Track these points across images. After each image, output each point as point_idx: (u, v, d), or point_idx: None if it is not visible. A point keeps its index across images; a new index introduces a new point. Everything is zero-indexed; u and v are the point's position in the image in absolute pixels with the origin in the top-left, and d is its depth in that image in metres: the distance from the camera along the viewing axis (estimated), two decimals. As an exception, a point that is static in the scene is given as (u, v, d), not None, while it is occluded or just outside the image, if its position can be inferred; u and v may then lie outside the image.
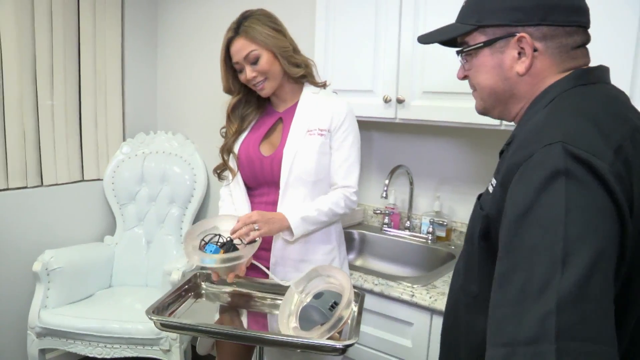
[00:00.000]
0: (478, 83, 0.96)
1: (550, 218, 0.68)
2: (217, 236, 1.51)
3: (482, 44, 0.92)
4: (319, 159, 1.64)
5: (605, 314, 0.65)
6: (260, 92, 1.66)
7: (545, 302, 0.64)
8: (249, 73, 1.61)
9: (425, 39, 1.05)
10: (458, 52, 0.99)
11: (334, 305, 1.29)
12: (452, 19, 1.01)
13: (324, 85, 1.77)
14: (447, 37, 0.98)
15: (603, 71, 0.90)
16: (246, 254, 1.47)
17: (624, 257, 0.72)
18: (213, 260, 1.43)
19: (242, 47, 1.59)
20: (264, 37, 1.60)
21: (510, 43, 0.88)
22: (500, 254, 0.74)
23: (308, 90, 1.72)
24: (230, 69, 1.67)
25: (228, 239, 1.50)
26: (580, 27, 0.88)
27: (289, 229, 1.58)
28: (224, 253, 1.46)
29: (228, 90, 1.72)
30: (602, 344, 0.63)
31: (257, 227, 1.51)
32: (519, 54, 0.88)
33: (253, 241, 1.51)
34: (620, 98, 0.87)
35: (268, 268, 1.64)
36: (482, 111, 1.01)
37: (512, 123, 0.98)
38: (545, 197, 0.69)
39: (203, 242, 1.48)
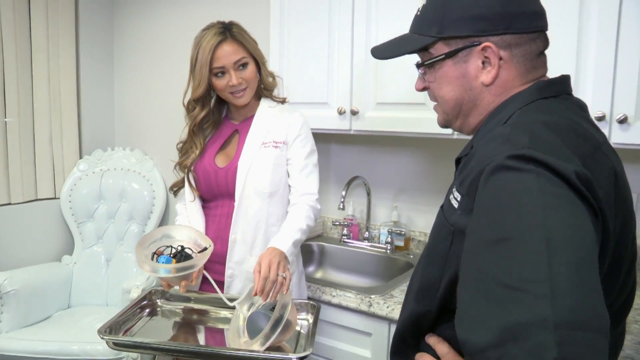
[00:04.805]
0: (441, 96, 0.92)
1: (525, 211, 0.64)
2: (169, 247, 1.53)
3: (443, 56, 0.88)
4: (274, 170, 1.64)
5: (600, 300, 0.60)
6: (237, 99, 1.63)
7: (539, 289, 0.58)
8: (234, 79, 1.58)
9: (380, 54, 0.99)
10: (418, 65, 0.93)
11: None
12: (405, 28, 0.97)
13: (282, 101, 1.78)
14: (405, 51, 0.93)
15: (564, 82, 0.88)
16: (198, 262, 1.49)
17: (606, 251, 0.72)
18: (168, 270, 1.45)
19: (233, 52, 1.58)
20: (251, 46, 1.62)
21: (474, 52, 0.85)
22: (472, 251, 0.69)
23: (265, 104, 1.73)
24: (209, 75, 1.59)
25: (179, 247, 1.53)
26: (541, 32, 0.86)
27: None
28: (176, 262, 1.48)
29: (199, 99, 1.63)
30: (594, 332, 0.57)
31: (283, 275, 1.42)
32: (483, 63, 0.85)
33: (204, 249, 1.53)
34: (579, 113, 0.84)
35: (224, 282, 1.64)
36: (444, 124, 0.97)
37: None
38: (520, 195, 0.65)
39: (155, 255, 1.51)
